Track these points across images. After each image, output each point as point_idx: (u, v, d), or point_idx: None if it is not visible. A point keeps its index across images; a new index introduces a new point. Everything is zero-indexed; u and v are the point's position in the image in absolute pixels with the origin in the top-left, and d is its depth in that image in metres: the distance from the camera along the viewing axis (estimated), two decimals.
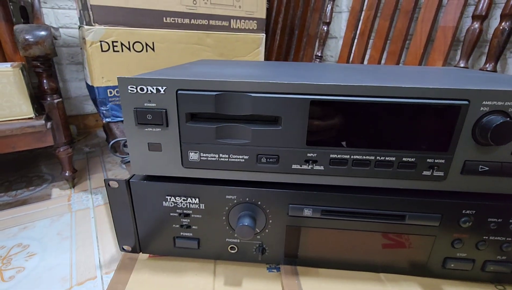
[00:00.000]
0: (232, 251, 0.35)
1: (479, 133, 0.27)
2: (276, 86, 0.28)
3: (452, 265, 0.33)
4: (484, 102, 0.27)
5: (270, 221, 0.33)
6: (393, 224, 0.32)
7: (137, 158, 0.32)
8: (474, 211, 0.31)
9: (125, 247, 0.37)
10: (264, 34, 1.06)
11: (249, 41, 1.05)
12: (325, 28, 1.03)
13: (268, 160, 0.30)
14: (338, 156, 0.30)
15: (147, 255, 0.38)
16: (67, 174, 1.06)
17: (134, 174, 0.34)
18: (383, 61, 0.87)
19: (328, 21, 1.02)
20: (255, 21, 1.05)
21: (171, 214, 0.34)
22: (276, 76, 0.32)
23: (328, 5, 1.01)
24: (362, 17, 0.93)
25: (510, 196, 0.31)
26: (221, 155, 0.31)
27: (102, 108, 0.87)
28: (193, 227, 0.34)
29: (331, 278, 0.34)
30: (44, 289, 0.60)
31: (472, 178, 0.30)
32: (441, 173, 0.29)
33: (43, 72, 0.93)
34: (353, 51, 0.95)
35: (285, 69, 0.44)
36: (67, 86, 1.50)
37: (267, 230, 0.34)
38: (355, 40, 0.95)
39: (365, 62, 0.94)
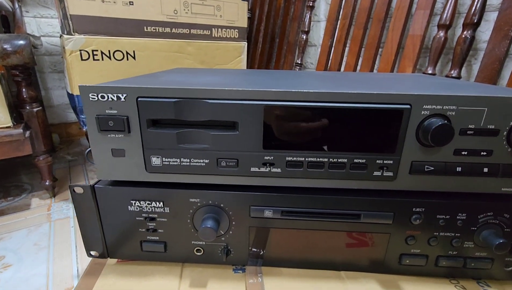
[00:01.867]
0: (198, 254, 0.36)
1: (422, 135, 0.29)
2: (231, 93, 0.29)
3: (407, 261, 0.35)
4: (424, 106, 0.29)
5: (233, 223, 0.34)
6: (350, 223, 0.34)
7: (101, 163, 0.33)
8: (423, 209, 0.33)
9: (93, 252, 0.37)
10: (246, 43, 1.08)
11: (231, 49, 1.07)
12: (304, 37, 1.06)
13: (227, 163, 0.32)
14: (294, 158, 0.31)
15: (116, 260, 0.38)
16: (47, 183, 1.04)
17: (99, 180, 0.35)
18: (358, 67, 0.91)
19: (306, 29, 1.05)
20: (237, 30, 1.07)
21: (137, 218, 0.35)
22: (238, 84, 0.33)
23: (307, 15, 1.05)
24: (338, 26, 0.96)
25: (456, 194, 0.33)
26: (182, 159, 0.32)
27: (82, 116, 0.87)
28: (159, 230, 0.35)
29: (294, 277, 0.35)
30: None
31: (420, 177, 0.32)
32: (391, 173, 0.31)
33: (22, 80, 0.92)
34: (330, 58, 0.99)
35: (253, 77, 0.46)
36: (49, 94, 1.48)
37: (231, 232, 0.35)
38: (332, 48, 0.98)
39: (342, 68, 0.97)
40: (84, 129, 1.06)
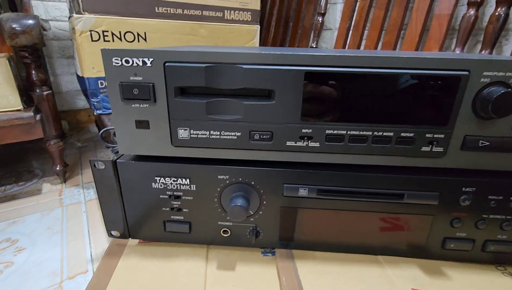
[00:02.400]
0: (225, 235, 0.34)
1: (480, 106, 0.26)
2: (268, 57, 0.26)
3: (452, 245, 0.32)
4: (484, 73, 0.26)
5: (264, 202, 0.32)
6: (391, 203, 0.31)
7: (124, 137, 0.30)
8: (474, 189, 0.30)
9: (114, 232, 0.35)
10: (259, 26, 1.05)
11: (244, 32, 1.03)
12: (320, 20, 1.02)
13: (261, 136, 0.29)
14: (334, 131, 0.28)
15: (137, 241, 0.36)
16: (58, 168, 1.03)
17: (121, 155, 0.33)
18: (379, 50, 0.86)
19: (323, 12, 1.01)
20: (249, 13, 1.03)
21: (161, 196, 0.33)
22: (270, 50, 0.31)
23: None
24: (357, 8, 0.92)
25: (511, 173, 0.30)
26: (212, 132, 0.29)
27: (93, 99, 0.85)
28: (184, 210, 0.33)
29: (328, 261, 0.33)
30: (33, 284, 0.58)
31: (472, 154, 0.29)
32: (441, 149, 0.28)
33: (32, 62, 0.90)
34: (348, 42, 0.95)
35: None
36: (58, 81, 1.47)
37: (261, 212, 0.33)
38: (350, 31, 0.94)
39: None
40: (95, 113, 1.04)
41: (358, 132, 0.28)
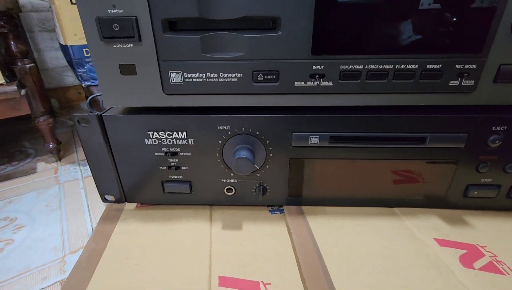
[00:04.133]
0: (229, 193, 0.31)
1: None
2: None
3: (475, 192, 0.29)
4: None
5: (271, 154, 0.29)
6: (412, 149, 0.28)
7: (107, 86, 0.26)
8: (505, 127, 0.27)
9: (108, 197, 0.32)
10: None
11: None
12: None
13: (266, 77, 0.25)
14: (350, 66, 0.25)
15: (135, 205, 0.34)
16: (50, 146, 1.00)
17: (109, 108, 0.29)
18: None
19: None
20: None
21: (156, 153, 0.29)
22: None
23: None
24: None
25: None
26: (209, 74, 0.25)
27: (79, 70, 0.79)
28: (183, 168, 0.30)
29: (341, 215, 0.31)
30: (37, 259, 0.57)
31: (506, 87, 0.25)
32: (471, 82, 0.25)
33: (9, 32, 0.83)
34: None
35: None
36: (42, 57, 1.39)
37: (267, 166, 0.30)
38: None
39: None
40: (83, 85, 0.98)
41: (377, 66, 0.25)
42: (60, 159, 1.09)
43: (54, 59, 1.42)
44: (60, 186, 0.95)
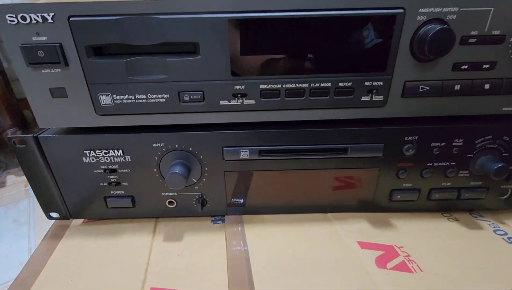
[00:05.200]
0: (171, 206, 0.33)
1: (417, 46, 0.25)
2: (187, 4, 0.23)
3: (398, 196, 0.32)
4: (420, 10, 0.24)
5: (206, 168, 0.30)
6: (336, 159, 0.30)
7: (40, 108, 0.27)
8: (417, 137, 0.29)
9: (53, 214, 0.33)
10: None
11: None
12: None
13: (191, 97, 0.27)
14: (269, 86, 0.26)
15: (81, 220, 0.35)
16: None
17: (45, 129, 0.30)
18: None
19: None
20: None
21: (95, 171, 0.30)
22: None
23: None
24: None
25: (452, 118, 0.29)
26: (137, 96, 0.27)
27: None
28: (123, 183, 0.31)
29: (278, 223, 0.33)
30: (3, 274, 0.57)
31: (413, 101, 0.28)
32: (381, 97, 0.27)
33: None
34: None
35: None
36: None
37: (204, 179, 0.31)
38: None
39: None
40: None
41: (294, 84, 0.26)
42: None
43: None
44: (30, 200, 0.93)
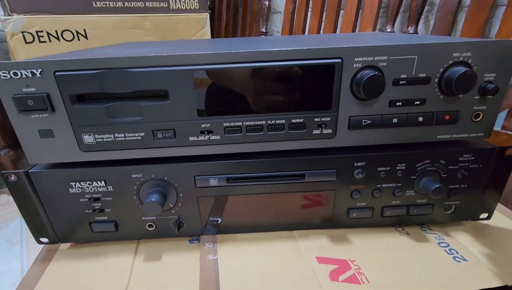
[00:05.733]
0: (151, 229, 0.36)
1: (355, 89, 0.29)
2: (154, 60, 0.28)
3: (354, 214, 0.36)
4: (356, 59, 0.28)
5: (181, 194, 0.34)
6: (296, 183, 0.34)
7: (31, 147, 0.31)
8: (364, 163, 0.33)
9: (42, 239, 0.36)
10: (208, 13, 1.02)
11: (192, 22, 1.01)
12: (267, 3, 1.02)
13: (164, 135, 0.31)
14: (231, 124, 0.30)
15: (69, 244, 0.38)
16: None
17: (34, 164, 0.33)
18: (321, 31, 0.89)
19: None
20: (196, 0, 1.01)
21: (81, 200, 0.34)
22: (166, 51, 0.32)
23: None
24: None
25: (394, 146, 0.33)
26: (116, 135, 0.30)
27: None
28: (107, 210, 0.34)
29: (247, 241, 0.36)
30: None
31: (358, 132, 0.32)
32: (330, 131, 0.31)
33: None
34: (294, 24, 0.96)
35: (197, 44, 0.44)
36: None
37: (180, 204, 0.35)
38: (295, 13, 0.95)
39: (306, 33, 0.95)
40: None
41: (253, 122, 0.31)
42: None
43: None
44: (23, 219, 0.95)
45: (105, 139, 0.31)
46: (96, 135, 0.30)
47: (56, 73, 0.27)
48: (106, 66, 0.28)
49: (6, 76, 0.27)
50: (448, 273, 0.30)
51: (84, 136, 0.30)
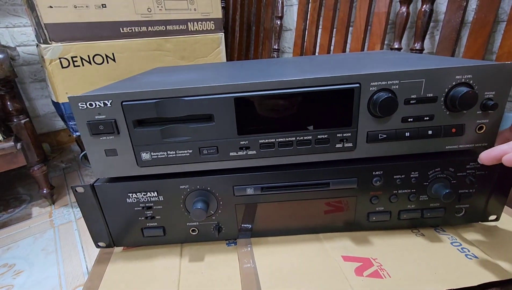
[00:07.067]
0: (194, 233, 0.41)
1: (372, 108, 0.34)
2: (203, 90, 0.33)
3: (374, 218, 0.40)
4: (371, 83, 0.34)
5: (221, 202, 0.39)
6: (321, 191, 0.39)
7: (97, 164, 0.37)
8: (382, 172, 0.38)
9: (100, 243, 0.41)
10: (223, 33, 1.10)
11: (208, 41, 1.09)
12: (278, 22, 1.08)
13: (209, 151, 0.36)
14: (266, 140, 0.36)
15: (122, 248, 0.43)
16: (45, 191, 1.08)
17: (98, 178, 0.39)
18: (332, 48, 0.94)
19: (280, 15, 1.07)
20: (212, 22, 1.09)
21: (136, 208, 0.39)
22: (210, 80, 0.37)
23: (279, 0, 1.07)
24: (309, 9, 0.99)
25: (408, 156, 0.38)
26: (169, 152, 0.36)
27: (70, 122, 0.90)
28: (157, 217, 0.40)
29: (278, 243, 0.41)
30: None
31: (376, 145, 0.37)
32: (351, 144, 0.36)
33: (5, 94, 0.93)
34: (305, 41, 1.02)
35: (225, 70, 0.50)
36: (34, 105, 1.48)
37: (220, 211, 0.40)
38: (306, 31, 1.01)
39: (317, 50, 1.00)
40: (74, 135, 1.08)
41: (284, 138, 0.36)
42: (53, 202, 1.17)
43: (45, 106, 1.52)
44: (55, 229, 1.03)
45: (159, 156, 0.36)
46: (152, 153, 0.36)
47: (123, 103, 0.33)
48: (164, 96, 0.33)
49: (83, 107, 0.33)
50: (461, 268, 0.34)
51: (142, 153, 0.36)
